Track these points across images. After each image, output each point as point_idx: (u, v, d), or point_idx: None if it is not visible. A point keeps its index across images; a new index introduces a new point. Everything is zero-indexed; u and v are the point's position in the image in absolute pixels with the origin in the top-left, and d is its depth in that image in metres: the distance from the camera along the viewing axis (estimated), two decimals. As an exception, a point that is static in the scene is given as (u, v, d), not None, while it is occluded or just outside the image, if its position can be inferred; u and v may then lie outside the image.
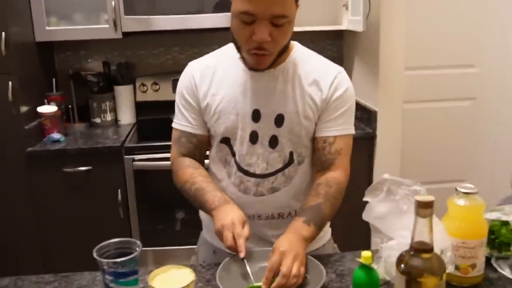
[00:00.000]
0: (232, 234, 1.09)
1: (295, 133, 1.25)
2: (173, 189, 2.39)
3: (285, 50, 1.22)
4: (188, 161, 1.30)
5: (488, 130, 2.84)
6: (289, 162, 1.27)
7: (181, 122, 1.31)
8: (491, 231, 1.14)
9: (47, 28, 2.44)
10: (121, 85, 2.73)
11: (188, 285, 0.89)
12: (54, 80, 2.59)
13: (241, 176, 1.27)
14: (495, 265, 1.14)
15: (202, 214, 1.45)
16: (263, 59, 1.17)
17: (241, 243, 1.07)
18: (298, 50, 1.29)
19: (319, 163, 1.29)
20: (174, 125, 1.34)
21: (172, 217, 2.47)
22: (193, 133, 1.30)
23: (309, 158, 1.30)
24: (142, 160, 2.34)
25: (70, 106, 2.67)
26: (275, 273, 1.03)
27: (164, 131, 2.59)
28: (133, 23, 2.44)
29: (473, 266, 1.06)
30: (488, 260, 1.13)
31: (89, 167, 2.32)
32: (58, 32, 2.46)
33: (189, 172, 1.27)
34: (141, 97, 2.78)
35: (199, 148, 1.32)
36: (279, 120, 1.24)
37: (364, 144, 2.41)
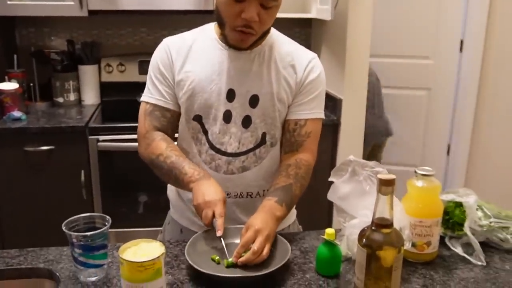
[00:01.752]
0: (212, 212, 1.11)
1: (269, 114, 1.28)
2: (137, 170, 2.38)
3: (267, 33, 1.25)
4: (161, 135, 1.29)
5: (442, 119, 2.98)
6: (261, 143, 1.30)
7: (154, 95, 1.29)
8: (446, 212, 1.21)
9: (8, 2, 2.36)
10: (85, 64, 2.68)
11: (158, 257, 0.91)
12: (15, 56, 2.51)
13: (212, 154, 1.29)
14: (448, 243, 1.22)
15: (170, 194, 1.46)
16: (248, 37, 1.19)
17: (220, 222, 1.10)
18: (274, 34, 1.32)
19: (288, 144, 1.32)
20: (145, 98, 1.31)
21: (135, 199, 2.46)
22: (167, 107, 1.29)
23: (280, 141, 1.34)
24: (106, 141, 2.31)
25: (31, 84, 2.60)
26: (247, 248, 1.07)
27: (130, 113, 2.57)
28: (100, 1, 2.39)
29: (429, 243, 1.13)
30: (442, 238, 1.21)
31: (52, 147, 2.28)
32: (20, 6, 2.38)
33: (163, 145, 1.26)
34: (106, 78, 2.74)
35: (171, 123, 1.32)
36: (254, 101, 1.27)
37: (329, 130, 2.47)
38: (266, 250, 1.08)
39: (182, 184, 1.21)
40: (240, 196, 1.32)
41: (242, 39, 1.20)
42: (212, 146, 1.29)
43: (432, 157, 3.03)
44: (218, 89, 1.26)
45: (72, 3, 2.38)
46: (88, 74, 2.69)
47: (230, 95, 1.26)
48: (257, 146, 1.30)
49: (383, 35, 2.73)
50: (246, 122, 1.28)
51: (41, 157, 2.28)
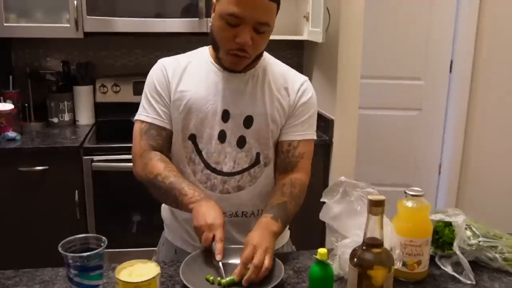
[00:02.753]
0: (212, 235, 1.12)
1: (263, 134, 1.31)
2: (131, 191, 2.40)
3: (260, 55, 1.29)
4: (159, 155, 1.29)
5: (434, 139, 3.02)
6: (255, 162, 1.32)
7: (150, 114, 1.30)
8: (435, 232, 1.23)
9: (5, 24, 2.39)
10: (80, 85, 2.71)
11: (154, 278, 0.93)
12: (10, 77, 2.53)
13: (208, 174, 1.31)
14: (438, 262, 1.24)
15: (164, 214, 1.47)
16: (241, 60, 1.23)
17: (220, 246, 1.11)
18: (267, 57, 1.36)
19: (283, 165, 1.35)
20: (140, 117, 1.31)
21: (129, 219, 2.46)
22: (163, 126, 1.30)
23: (274, 161, 1.37)
24: (101, 161, 2.33)
25: (26, 105, 2.62)
26: (247, 265, 1.08)
27: (124, 133, 2.59)
28: (95, 23, 2.43)
29: (419, 263, 1.15)
30: (432, 258, 1.23)
31: (46, 167, 2.29)
32: (17, 28, 2.41)
33: (161, 166, 1.26)
34: (100, 98, 2.77)
35: (167, 143, 1.33)
36: (248, 122, 1.30)
37: (321, 150, 2.50)
38: (267, 262, 1.09)
39: (182, 204, 1.22)
40: (235, 215, 1.34)
41: (236, 62, 1.24)
42: (207, 166, 1.31)
43: (423, 177, 3.06)
44: (213, 109, 1.28)
45: (68, 25, 2.42)
46: (83, 95, 2.72)
47: (225, 116, 1.29)
48: (252, 166, 1.32)
49: (374, 57, 2.79)
50: (241, 142, 1.30)
51: (36, 177, 2.29)
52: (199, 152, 1.31)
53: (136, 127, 1.32)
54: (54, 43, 2.73)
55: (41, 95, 2.66)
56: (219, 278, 1.09)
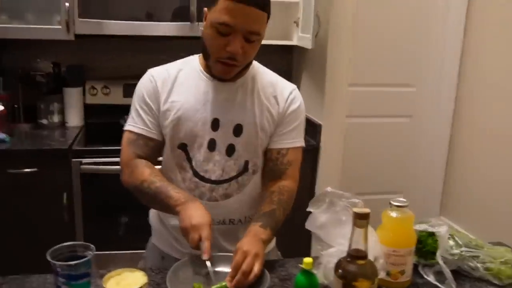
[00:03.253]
0: (198, 236, 1.13)
1: (252, 143, 1.33)
2: (119, 193, 2.38)
3: (249, 64, 1.31)
4: (144, 162, 1.31)
5: (422, 146, 3.04)
6: (243, 170, 1.34)
7: (139, 125, 1.32)
8: (419, 241, 1.26)
9: (-4, 25, 2.39)
10: (70, 87, 2.70)
11: (141, 287, 0.94)
12: (1, 78, 2.52)
13: (196, 182, 1.32)
14: (421, 272, 1.26)
15: (152, 220, 1.48)
16: (231, 69, 1.25)
17: (206, 246, 1.12)
18: (256, 66, 1.38)
19: (271, 172, 1.38)
20: (129, 127, 1.33)
21: (117, 222, 2.47)
22: (151, 137, 1.32)
23: (262, 169, 1.39)
24: (89, 164, 2.33)
25: (16, 106, 2.61)
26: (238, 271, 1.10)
27: (113, 135, 2.59)
28: (87, 26, 2.43)
29: (402, 272, 1.17)
30: (415, 267, 1.25)
31: (35, 169, 2.28)
32: (8, 29, 2.41)
33: (147, 172, 1.28)
34: (90, 100, 2.76)
35: (155, 152, 1.34)
36: (238, 130, 1.31)
37: (308, 155, 2.52)
38: (256, 268, 1.11)
39: (168, 208, 1.23)
40: (223, 223, 1.35)
41: (226, 70, 1.26)
42: (196, 174, 1.32)
43: (411, 184, 3.07)
44: (203, 118, 1.30)
45: (59, 27, 2.42)
46: (73, 97, 2.71)
47: (215, 124, 1.31)
48: (240, 174, 1.34)
49: (365, 64, 2.80)
50: (230, 150, 1.32)
51: (24, 179, 2.28)
52: (189, 160, 1.32)
53: (125, 137, 1.34)
54: (45, 44, 2.71)
55: (31, 96, 2.65)
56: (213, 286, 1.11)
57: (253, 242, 1.17)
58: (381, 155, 2.99)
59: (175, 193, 1.23)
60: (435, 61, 2.92)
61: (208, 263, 1.13)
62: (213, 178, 1.32)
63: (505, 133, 2.81)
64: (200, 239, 1.13)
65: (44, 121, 2.67)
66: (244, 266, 1.10)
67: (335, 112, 2.54)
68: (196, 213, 1.17)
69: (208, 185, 1.32)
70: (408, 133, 3.03)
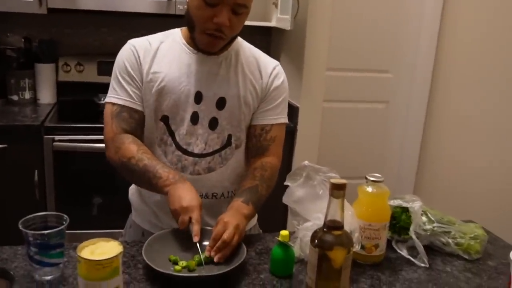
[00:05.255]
0: (188, 217, 1.12)
1: (235, 116, 1.32)
2: (93, 172, 2.37)
3: (235, 38, 1.29)
4: (131, 137, 1.27)
5: (398, 131, 3.09)
6: (226, 144, 1.33)
7: (122, 96, 1.28)
8: (393, 217, 1.28)
9: (-36, -4, 2.30)
10: (42, 62, 2.63)
11: (116, 256, 0.93)
12: (-32, 52, 2.44)
13: (179, 155, 1.31)
14: (395, 246, 1.29)
15: (132, 198, 1.46)
16: (217, 41, 1.23)
17: (197, 228, 1.12)
18: (239, 41, 1.36)
19: (255, 149, 1.37)
20: (111, 99, 1.29)
21: (90, 201, 2.43)
22: (136, 108, 1.28)
23: (245, 143, 1.38)
24: (62, 141, 2.28)
25: (-16, 81, 2.53)
26: (218, 241, 1.10)
27: (87, 113, 2.57)
28: (60, -1, 2.36)
29: (377, 246, 1.19)
30: (389, 242, 1.28)
31: (4, 145, 2.22)
32: (-24, 1, 2.32)
33: (135, 148, 1.24)
34: (63, 77, 2.70)
35: (140, 125, 1.31)
36: (221, 103, 1.30)
37: (286, 137, 2.49)
38: (235, 239, 1.12)
39: (156, 187, 1.21)
40: (205, 197, 1.35)
41: (212, 42, 1.24)
42: (178, 147, 1.31)
43: (385, 169, 3.11)
44: (187, 90, 1.28)
45: (31, 0, 2.34)
46: (45, 73, 2.64)
47: (198, 97, 1.29)
48: (223, 147, 1.34)
49: (342, 48, 2.81)
50: (213, 124, 1.31)
51: (-7, 155, 2.22)
52: (171, 133, 1.30)
53: (107, 110, 1.29)
54: (16, 18, 2.63)
55: (1, 71, 2.56)
56: (196, 256, 1.11)
57: (235, 215, 1.17)
58: (357, 140, 3.02)
59: (164, 172, 1.21)
60: (411, 48, 2.95)
61: (198, 245, 1.12)
62: (196, 151, 1.31)
63: (476, 118, 2.88)
64: (190, 221, 1.13)
65: (15, 97, 2.59)
66: (225, 236, 1.10)
67: (312, 96, 2.55)
68: (186, 195, 1.15)
69: (191, 158, 1.31)
70: (384, 119, 3.06)
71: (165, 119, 1.30)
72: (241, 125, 1.34)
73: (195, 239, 1.11)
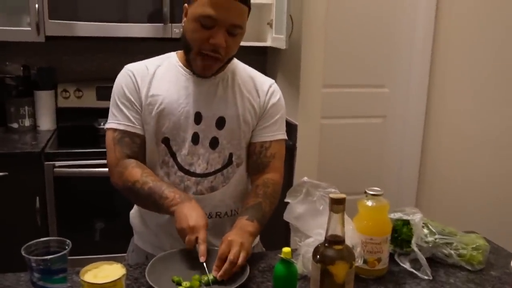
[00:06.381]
0: (195, 237, 1.13)
1: (235, 135, 1.34)
2: (94, 197, 2.36)
3: (231, 59, 1.31)
4: (134, 162, 1.29)
5: (396, 146, 3.10)
6: (228, 163, 1.35)
7: (122, 121, 1.29)
8: (394, 230, 1.28)
9: (-37, 27, 2.33)
10: (41, 90, 2.66)
11: (119, 279, 0.93)
12: (-32, 81, 2.47)
13: (181, 176, 1.32)
14: (397, 260, 1.29)
15: (133, 221, 1.46)
16: (213, 63, 1.25)
17: (203, 248, 1.12)
18: (235, 62, 1.39)
19: (255, 166, 1.39)
20: (112, 125, 1.30)
21: (92, 226, 2.43)
22: (136, 133, 1.30)
23: (246, 161, 1.39)
24: (63, 167, 2.29)
25: (-16, 110, 2.55)
26: (224, 260, 1.11)
27: (87, 138, 2.59)
28: (57, 27, 2.39)
29: (379, 260, 1.19)
30: (391, 255, 1.27)
31: (5, 173, 2.23)
32: (-25, 32, 2.36)
33: (138, 172, 1.26)
34: (62, 103, 2.72)
35: (142, 149, 1.32)
36: (220, 123, 1.32)
37: (286, 155, 2.52)
38: (241, 259, 1.11)
39: (163, 208, 1.22)
40: (209, 216, 1.35)
41: (208, 64, 1.25)
42: (181, 168, 1.32)
43: (385, 184, 3.11)
44: (186, 112, 1.30)
45: (29, 28, 2.37)
46: (44, 100, 2.66)
47: (198, 118, 1.31)
48: (225, 166, 1.35)
49: (338, 65, 2.84)
50: (214, 143, 1.32)
51: (-6, 183, 2.23)
52: (172, 155, 1.31)
53: (109, 136, 1.31)
54: (14, 46, 2.67)
55: (0, 100, 2.59)
56: (203, 276, 1.11)
57: (239, 233, 1.18)
58: (356, 156, 3.02)
59: (169, 192, 1.22)
60: (406, 62, 2.97)
61: (205, 264, 1.12)
62: (198, 171, 1.32)
63: (475, 129, 2.89)
64: (196, 241, 1.13)
65: (15, 125, 2.61)
66: (231, 256, 1.10)
67: (310, 113, 2.57)
68: (192, 215, 1.16)
69: (193, 178, 1.32)
70: (383, 134, 3.07)
71: (166, 141, 1.31)
72: (241, 143, 1.36)
73: (202, 259, 1.12)
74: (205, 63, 1.25)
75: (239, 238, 1.15)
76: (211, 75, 1.30)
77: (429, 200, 3.06)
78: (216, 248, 1.17)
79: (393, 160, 3.11)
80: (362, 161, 3.05)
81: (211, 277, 1.10)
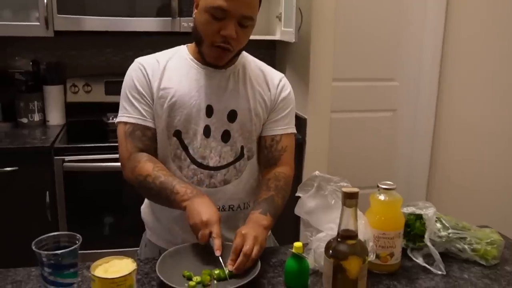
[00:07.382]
0: (209, 232, 1.12)
1: (246, 128, 1.33)
2: (104, 191, 2.37)
3: (241, 51, 1.31)
4: (146, 156, 1.28)
5: (406, 139, 3.07)
6: (240, 156, 1.35)
7: (133, 115, 1.29)
8: (407, 225, 1.26)
9: (-28, 22, 2.34)
10: (50, 85, 2.66)
11: (130, 274, 0.92)
12: (-22, 77, 2.47)
13: (194, 169, 1.31)
14: (410, 254, 1.27)
15: (145, 217, 1.46)
16: (225, 53, 1.24)
17: (218, 242, 1.12)
18: (245, 54, 1.38)
19: (266, 160, 1.38)
20: (123, 118, 1.30)
21: (101, 220, 2.43)
22: (148, 126, 1.29)
23: (256, 154, 1.39)
24: (72, 162, 2.29)
25: (-6, 105, 2.56)
26: (239, 254, 1.10)
27: (96, 133, 2.59)
28: (66, 22, 2.39)
29: (392, 255, 1.18)
30: (404, 250, 1.26)
31: (15, 168, 2.23)
32: (-16, 27, 2.36)
33: (150, 166, 1.25)
34: (72, 98, 2.72)
35: (153, 142, 1.31)
36: (232, 116, 1.32)
37: (295, 149, 2.51)
38: (255, 252, 1.11)
39: (174, 203, 1.21)
40: (222, 210, 1.34)
41: (219, 55, 1.25)
42: (194, 161, 1.31)
43: (396, 178, 3.08)
44: (197, 105, 1.29)
45: (38, 23, 2.37)
46: (53, 95, 2.67)
47: (209, 111, 1.30)
48: (237, 159, 1.35)
49: (348, 58, 2.82)
50: (225, 136, 1.32)
51: (5, 178, 2.23)
52: (185, 148, 1.31)
53: (120, 130, 1.30)
54: (24, 42, 2.67)
55: (10, 95, 2.60)
56: (220, 270, 1.11)
57: (253, 227, 1.17)
58: (366, 149, 3.01)
59: (181, 188, 1.21)
60: (416, 55, 2.95)
61: (220, 258, 1.12)
62: (211, 164, 1.32)
63: (486, 122, 2.85)
64: (210, 235, 1.13)
65: (24, 120, 2.61)
66: (245, 249, 1.10)
67: (319, 107, 2.55)
68: (205, 210, 1.15)
69: (206, 171, 1.32)
70: (392, 127, 3.05)
71: (177, 134, 1.30)
72: (253, 137, 1.36)
73: (217, 253, 1.11)
74: (216, 54, 1.25)
75: (253, 231, 1.14)
76: (222, 66, 1.30)
77: (440, 194, 3.04)
78: (229, 243, 1.17)
79: (403, 153, 3.09)
80: (372, 155, 3.03)
81: (227, 271, 1.10)
